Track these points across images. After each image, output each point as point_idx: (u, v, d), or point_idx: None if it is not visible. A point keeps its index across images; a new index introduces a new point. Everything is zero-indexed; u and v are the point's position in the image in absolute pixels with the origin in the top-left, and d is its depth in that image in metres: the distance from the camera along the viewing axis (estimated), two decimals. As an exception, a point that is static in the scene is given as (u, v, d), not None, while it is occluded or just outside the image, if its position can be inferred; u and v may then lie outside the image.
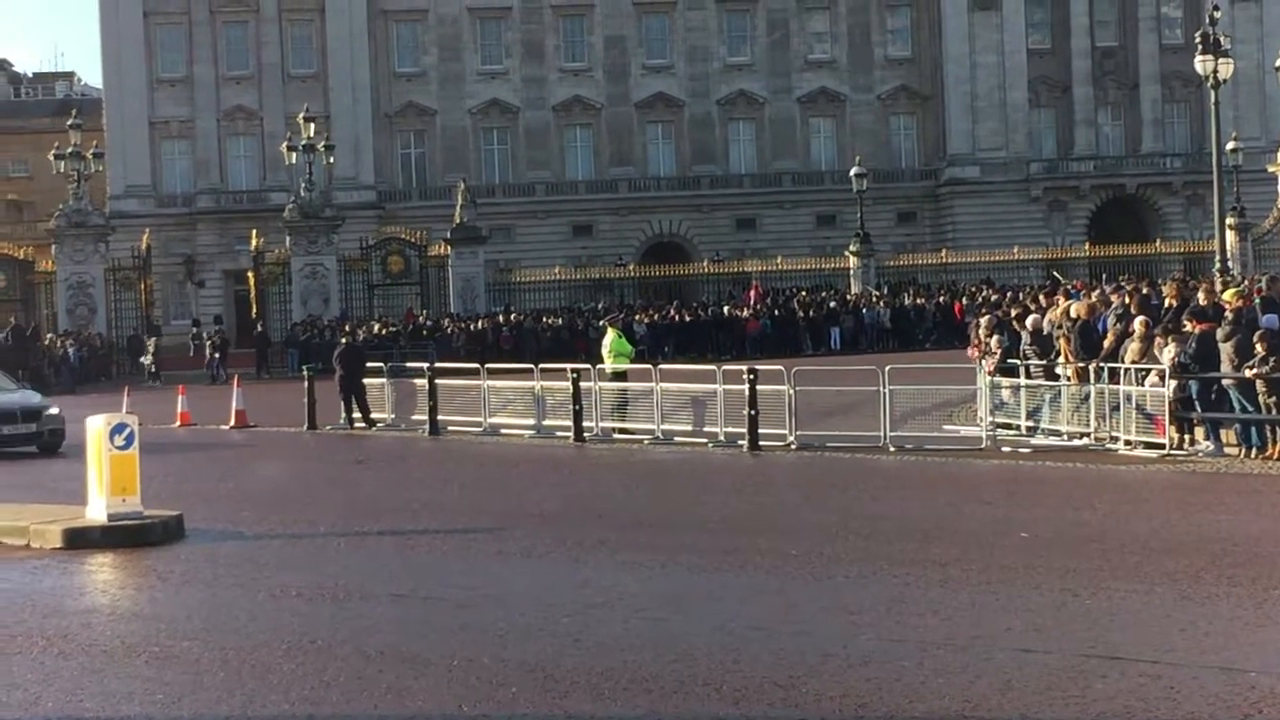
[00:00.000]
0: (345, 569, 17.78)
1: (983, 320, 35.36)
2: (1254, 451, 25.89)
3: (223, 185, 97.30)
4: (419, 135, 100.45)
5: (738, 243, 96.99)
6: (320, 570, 17.75)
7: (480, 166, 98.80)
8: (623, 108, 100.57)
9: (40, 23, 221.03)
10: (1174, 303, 30.22)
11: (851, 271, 79.63)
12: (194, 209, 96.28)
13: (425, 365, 38.78)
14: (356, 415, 38.25)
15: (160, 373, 64.93)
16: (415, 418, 37.05)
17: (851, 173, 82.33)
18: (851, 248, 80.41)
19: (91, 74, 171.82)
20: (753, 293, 75.48)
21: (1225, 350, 26.34)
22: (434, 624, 14.24)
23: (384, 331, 65.14)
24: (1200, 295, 29.84)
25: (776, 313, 70.69)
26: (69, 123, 74.16)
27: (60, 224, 71.72)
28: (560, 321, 68.97)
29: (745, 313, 70.85)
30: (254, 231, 77.70)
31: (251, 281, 76.02)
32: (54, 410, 34.69)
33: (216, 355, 66.51)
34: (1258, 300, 28.46)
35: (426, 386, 36.59)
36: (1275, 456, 25.41)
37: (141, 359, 66.30)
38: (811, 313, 70.66)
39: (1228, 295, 28.53)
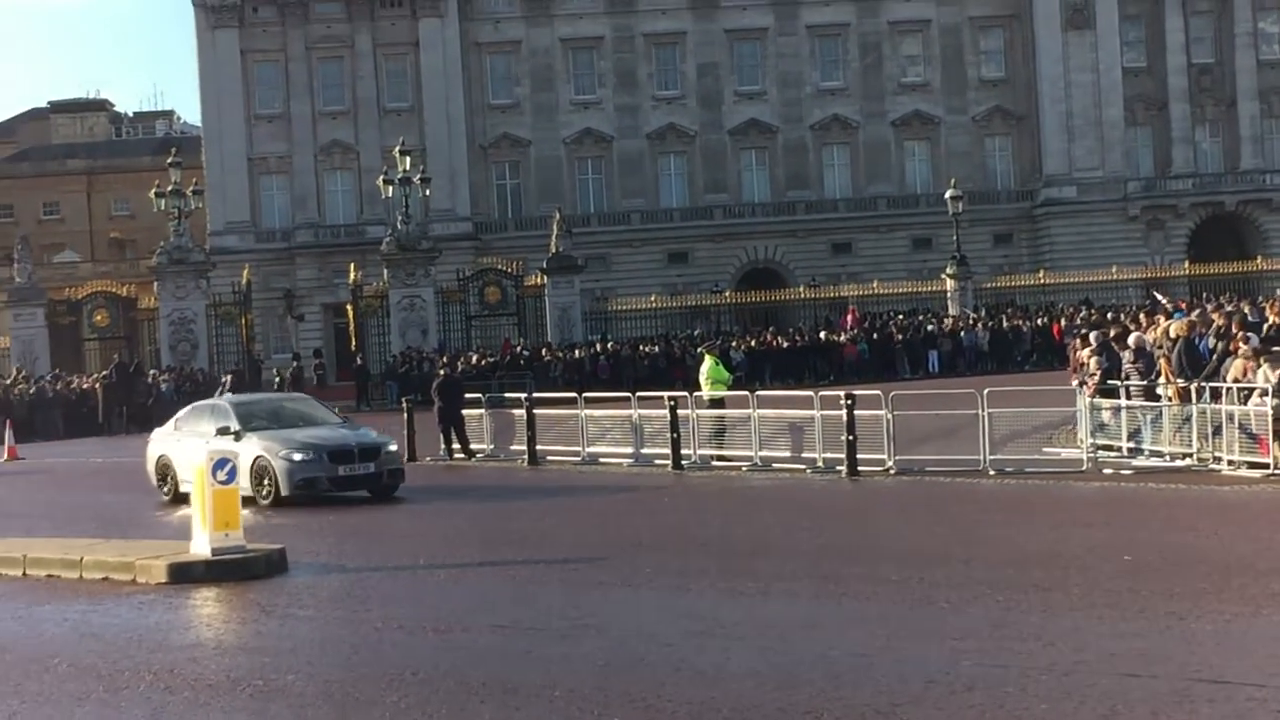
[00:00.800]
0: (447, 601, 17.85)
1: (1082, 341, 35.10)
2: (1360, 470, 25.58)
3: (320, 220, 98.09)
4: (514, 166, 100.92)
5: (833, 267, 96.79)
6: (422, 602, 17.84)
7: (575, 196, 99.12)
8: (716, 135, 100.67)
9: (140, 63, 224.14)
10: (1277, 320, 29.90)
11: (948, 294, 79.31)
12: (293, 244, 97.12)
13: (523, 395, 38.85)
14: (456, 446, 38.38)
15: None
16: (514, 448, 37.14)
17: (947, 195, 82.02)
18: (948, 270, 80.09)
19: (190, 112, 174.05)
20: (849, 317, 75.27)
21: (1327, 367, 26.05)
22: (536, 654, 14.27)
23: (482, 362, 65.35)
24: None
25: (874, 337, 70.47)
26: (169, 161, 75.03)
27: (162, 261, 72.48)
28: (657, 349, 68.98)
29: (842, 337, 70.67)
30: (352, 265, 78.25)
31: (350, 314, 76.48)
32: (393, 447, 31.11)
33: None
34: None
35: (525, 416, 36.68)
36: (1382, 475, 25.09)
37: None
38: (909, 336, 70.38)
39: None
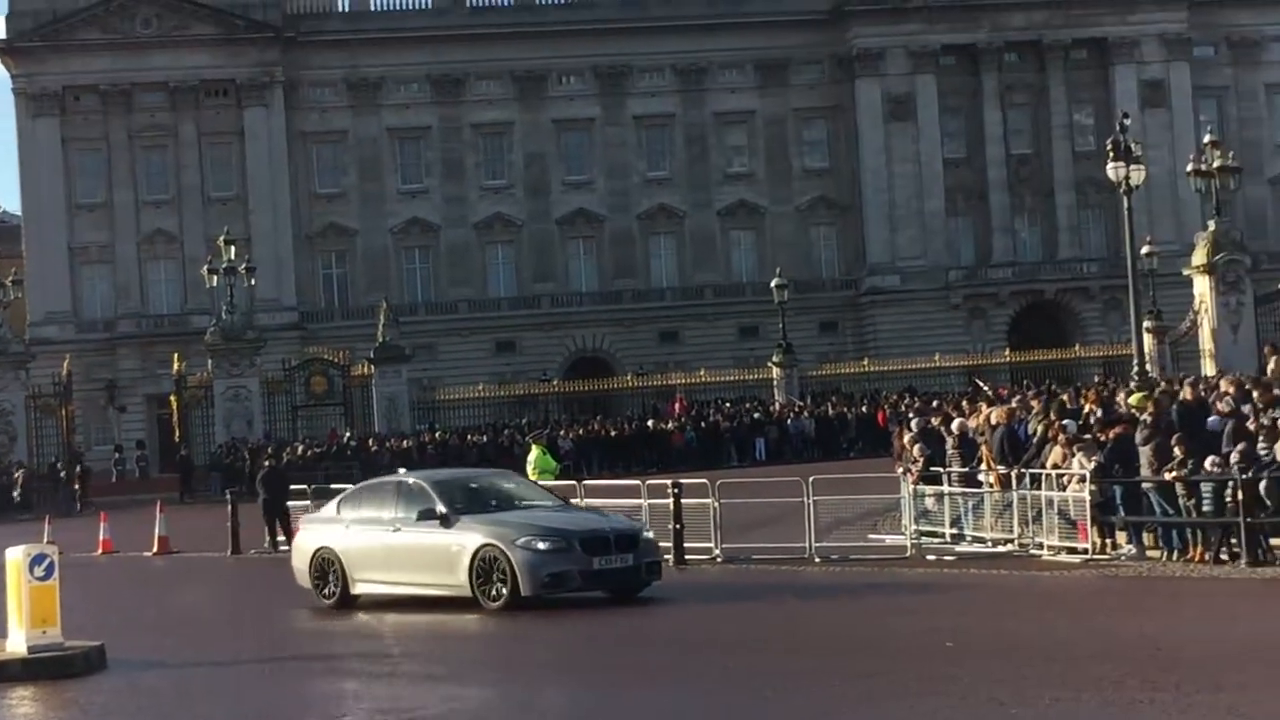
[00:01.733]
0: (270, 698, 17.62)
1: (905, 428, 35.52)
2: (1175, 554, 26.05)
3: (143, 309, 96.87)
4: (340, 255, 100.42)
5: (661, 356, 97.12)
6: (243, 700, 17.59)
7: (402, 285, 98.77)
8: (544, 224, 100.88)
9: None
10: (1094, 409, 30.46)
11: (775, 382, 79.85)
12: (115, 334, 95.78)
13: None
14: (281, 538, 37.93)
15: (88, 499, 64.46)
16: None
17: (772, 284, 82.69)
18: (774, 358, 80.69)
19: (10, 200, 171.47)
20: (677, 405, 75.57)
21: (1144, 454, 26.55)
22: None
23: (308, 453, 64.82)
24: (1119, 400, 30.17)
25: (701, 425, 70.76)
26: (-13, 250, 73.89)
27: (-21, 352, 71.23)
28: (485, 439, 68.76)
29: (670, 425, 70.90)
30: (176, 355, 77.26)
31: (174, 405, 75.59)
32: (649, 534, 26.02)
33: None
34: (1175, 406, 28.65)
35: (351, 508, 36.28)
36: (1196, 559, 25.55)
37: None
38: (736, 424, 70.74)
39: (1133, 400, 28.71)
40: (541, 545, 23.63)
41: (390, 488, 26.62)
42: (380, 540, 25.09)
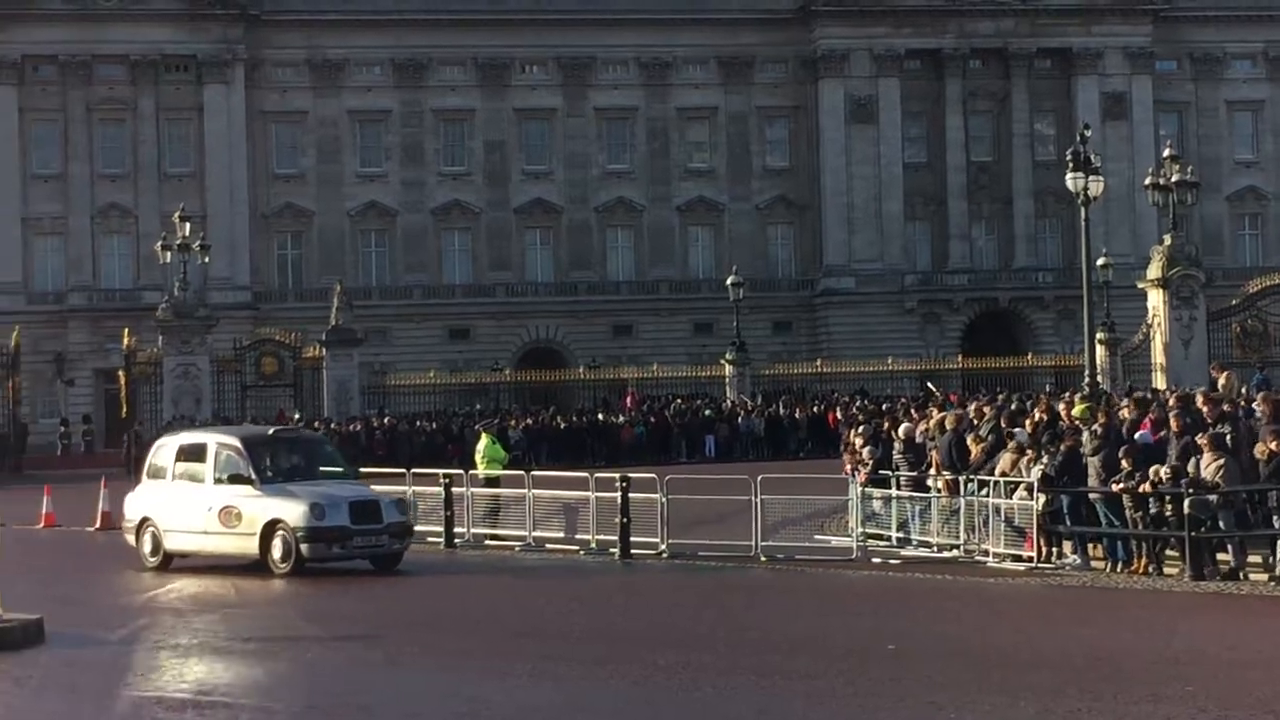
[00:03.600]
0: (209, 676, 17.52)
1: (856, 430, 35.55)
2: (1120, 565, 26.15)
3: (95, 283, 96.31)
4: (296, 236, 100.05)
5: (615, 349, 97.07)
6: (183, 678, 17.49)
7: (358, 269, 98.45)
8: (502, 213, 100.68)
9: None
10: (1043, 417, 30.50)
11: (727, 380, 79.84)
12: (65, 306, 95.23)
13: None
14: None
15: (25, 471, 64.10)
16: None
17: (728, 281, 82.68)
18: (727, 356, 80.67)
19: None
20: (629, 399, 75.49)
21: (1092, 465, 26.63)
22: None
23: (256, 433, 64.46)
24: (1061, 410, 30.23)
25: (652, 420, 70.70)
26: (-60, 218, 73.36)
27: (-72, 320, 70.76)
28: (434, 426, 68.63)
29: (621, 419, 70.85)
30: (126, 330, 76.88)
31: (123, 381, 75.18)
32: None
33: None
34: (1128, 416, 28.71)
35: (296, 490, 36.14)
36: (1140, 570, 25.66)
37: None
38: (686, 420, 70.73)
39: (1076, 412, 28.77)
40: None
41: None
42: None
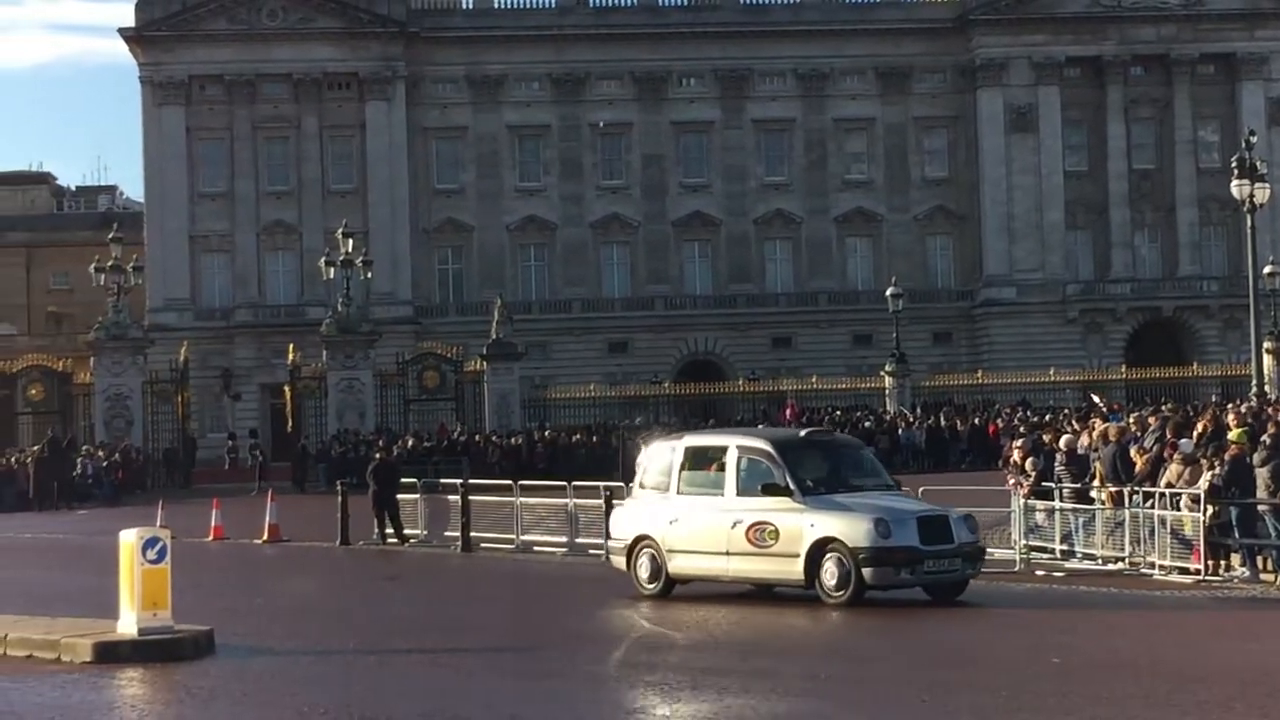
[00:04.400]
0: (373, 687, 17.73)
1: (1018, 442, 35.23)
2: (1290, 578, 25.75)
3: (261, 299, 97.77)
4: (456, 251, 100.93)
5: (773, 361, 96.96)
6: (348, 688, 17.71)
7: (517, 283, 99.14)
8: (660, 225, 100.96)
9: (84, 136, 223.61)
10: (1208, 427, 30.10)
11: (887, 391, 79.53)
12: (232, 323, 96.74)
13: (459, 481, 38.72)
14: (389, 531, 38.17)
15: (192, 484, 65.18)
16: (448, 534, 36.97)
17: (888, 293, 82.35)
18: (887, 367, 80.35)
19: (134, 187, 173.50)
20: (788, 411, 75.33)
21: (1261, 476, 26.22)
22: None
23: (418, 447, 65.15)
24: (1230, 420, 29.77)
25: (811, 432, 70.44)
26: (110, 236, 74.74)
27: (99, 336, 72.06)
28: (595, 439, 68.91)
29: (780, 431, 70.63)
30: (291, 346, 77.90)
31: (287, 395, 76.19)
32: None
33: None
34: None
35: (459, 502, 36.53)
36: (1311, 584, 25.25)
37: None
38: (847, 432, 70.44)
39: (1232, 436, 28.12)
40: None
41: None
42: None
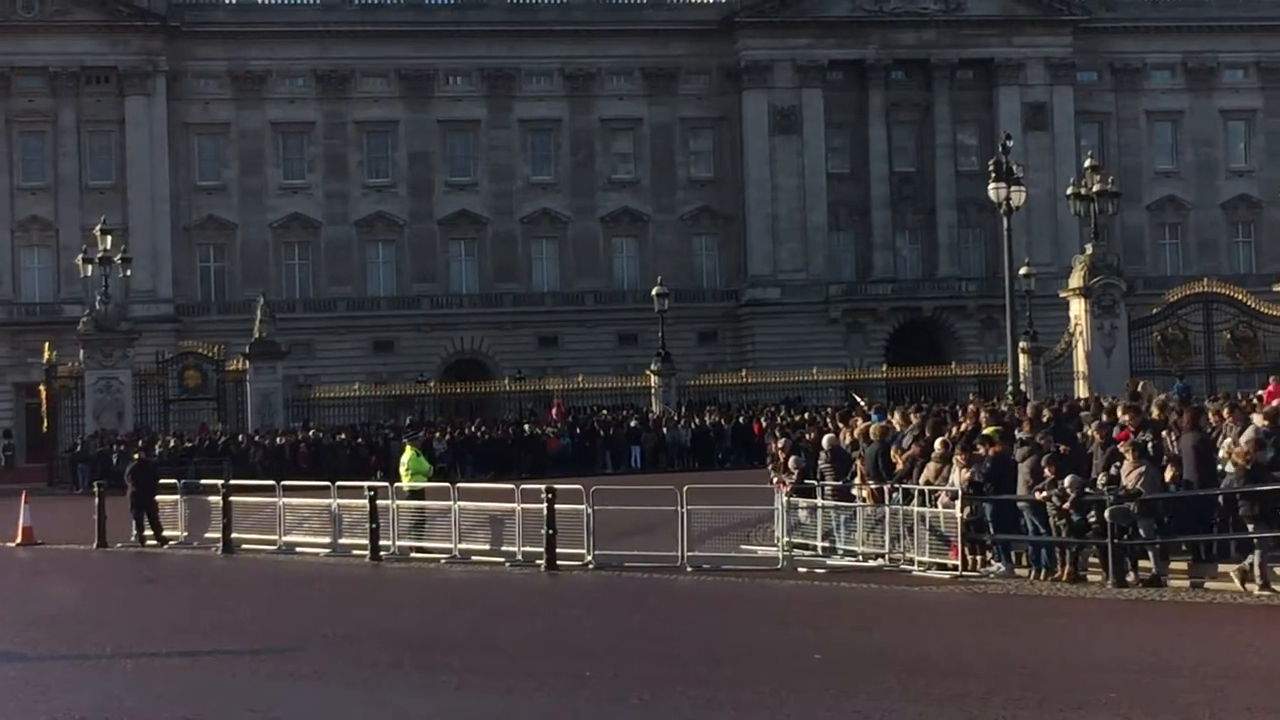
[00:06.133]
0: (132, 691, 17.39)
1: (781, 441, 35.60)
2: (1044, 573, 26.25)
3: (15, 297, 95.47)
4: (219, 249, 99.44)
5: (540, 361, 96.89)
6: (106, 693, 17.35)
7: (281, 281, 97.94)
8: (426, 224, 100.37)
9: None
10: (968, 425, 30.63)
11: (653, 390, 79.85)
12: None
13: (220, 482, 38.21)
14: (148, 532, 37.53)
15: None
16: (209, 535, 36.45)
17: (653, 292, 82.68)
18: (653, 367, 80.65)
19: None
20: (554, 411, 75.39)
21: (1021, 472, 26.73)
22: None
23: (179, 447, 64.16)
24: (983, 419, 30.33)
25: (578, 431, 70.68)
26: None
27: None
28: (359, 439, 68.38)
29: (546, 431, 70.76)
30: (47, 344, 76.25)
31: (43, 395, 74.60)
32: None
33: None
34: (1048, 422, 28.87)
35: (220, 503, 36.03)
36: (1064, 578, 25.76)
37: None
38: (612, 431, 70.73)
39: (987, 432, 28.69)
40: None
41: None
42: None
